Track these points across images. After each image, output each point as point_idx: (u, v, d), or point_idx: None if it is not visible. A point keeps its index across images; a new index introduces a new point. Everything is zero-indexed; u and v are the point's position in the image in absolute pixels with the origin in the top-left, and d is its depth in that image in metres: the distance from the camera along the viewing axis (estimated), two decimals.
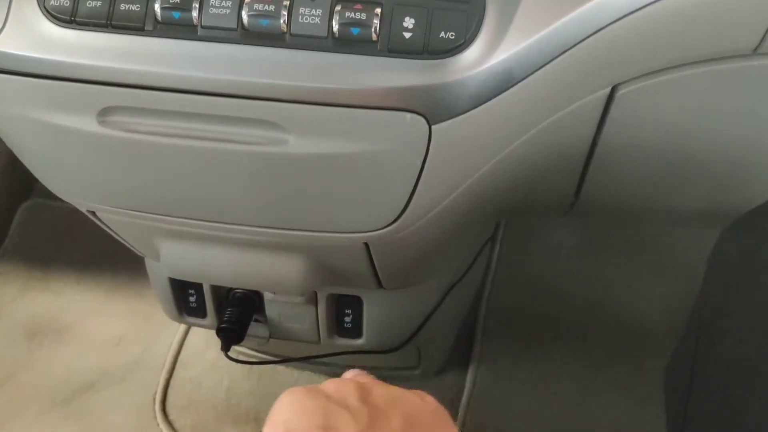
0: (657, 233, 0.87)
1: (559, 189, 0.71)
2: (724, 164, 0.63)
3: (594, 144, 0.63)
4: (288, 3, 0.47)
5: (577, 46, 0.50)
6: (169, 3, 0.48)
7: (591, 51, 0.51)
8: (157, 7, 0.48)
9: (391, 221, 0.57)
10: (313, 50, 0.48)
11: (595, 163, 0.65)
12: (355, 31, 0.47)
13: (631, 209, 0.76)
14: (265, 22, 0.47)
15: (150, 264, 0.83)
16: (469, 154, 0.53)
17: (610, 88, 0.58)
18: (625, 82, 0.57)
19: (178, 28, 0.49)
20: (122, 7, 0.49)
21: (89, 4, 0.50)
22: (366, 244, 0.61)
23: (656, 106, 0.60)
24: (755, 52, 0.55)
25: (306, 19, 0.47)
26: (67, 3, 0.50)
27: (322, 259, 0.65)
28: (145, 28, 0.49)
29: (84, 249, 1.34)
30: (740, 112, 0.60)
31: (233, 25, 0.48)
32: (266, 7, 0.47)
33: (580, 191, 0.71)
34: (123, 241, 0.74)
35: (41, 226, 1.39)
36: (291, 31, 0.47)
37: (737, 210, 0.67)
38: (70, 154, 0.56)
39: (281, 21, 0.47)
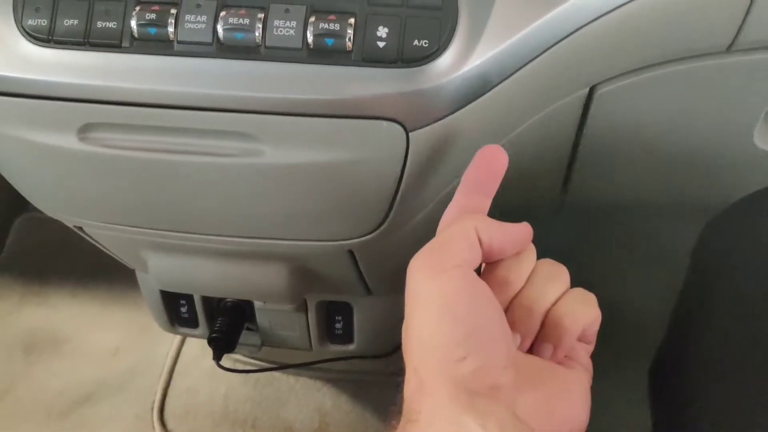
0: (648, 228, 0.88)
1: (545, 188, 0.71)
2: (705, 159, 0.64)
3: (576, 142, 0.63)
4: (262, 16, 0.48)
5: (552, 48, 0.50)
6: (145, 19, 0.48)
7: (566, 53, 0.51)
8: (133, 23, 0.49)
9: (374, 228, 0.57)
10: (288, 62, 0.48)
11: (579, 161, 0.66)
12: (329, 41, 0.47)
13: (618, 203, 0.77)
14: (240, 36, 0.48)
15: (141, 276, 0.84)
16: (448, 158, 0.54)
17: (588, 88, 0.58)
18: (603, 81, 0.58)
19: (155, 43, 0.49)
20: (99, 24, 0.50)
21: (66, 22, 0.50)
22: (351, 251, 0.61)
23: (635, 104, 0.60)
24: (729, 49, 0.55)
25: (280, 31, 0.48)
26: (44, 22, 0.50)
27: (308, 266, 0.66)
28: (122, 45, 0.49)
29: (79, 262, 1.34)
30: (717, 108, 0.60)
31: (209, 39, 0.48)
32: (241, 20, 0.48)
33: (567, 189, 0.71)
34: (112, 254, 0.74)
35: (37, 240, 1.40)
36: (266, 44, 0.48)
37: (721, 203, 0.68)
38: (52, 171, 0.57)
39: (256, 34, 0.48)
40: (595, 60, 0.55)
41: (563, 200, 0.73)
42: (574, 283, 0.43)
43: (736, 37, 0.54)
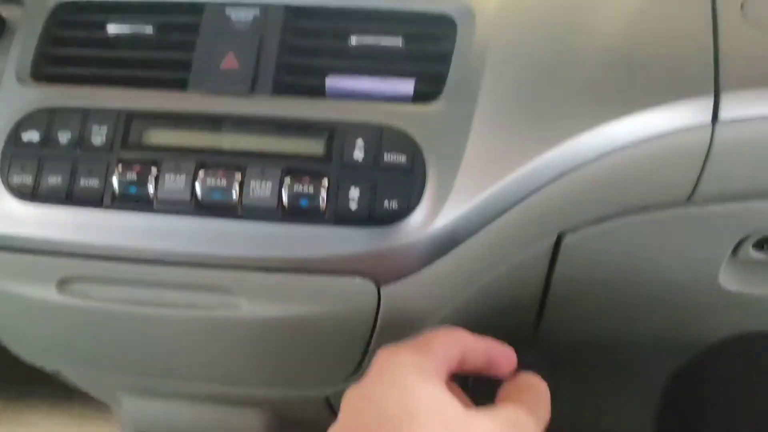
0: (624, 358, 0.88)
1: (517, 326, 0.72)
2: (673, 302, 0.65)
3: (546, 286, 0.65)
4: (240, 176, 0.50)
5: (518, 205, 0.52)
6: (127, 179, 0.51)
7: (531, 207, 0.53)
8: (114, 181, 0.51)
9: (348, 376, 0.58)
10: (263, 221, 0.50)
11: (549, 303, 0.67)
12: (303, 202, 0.49)
13: (591, 338, 0.78)
14: (217, 196, 0.50)
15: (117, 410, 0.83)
16: (419, 309, 0.55)
17: (555, 236, 0.60)
18: (569, 230, 0.60)
19: (135, 202, 0.51)
20: (82, 183, 0.51)
21: (50, 180, 0.52)
22: (327, 398, 0.61)
23: (602, 250, 0.62)
24: (689, 201, 0.58)
25: (257, 192, 0.50)
26: (29, 180, 0.52)
27: (286, 412, 0.65)
28: (104, 203, 0.51)
29: (56, 381, 1.32)
30: (681, 254, 0.62)
31: (187, 198, 0.50)
32: (219, 181, 0.50)
33: (540, 327, 0.72)
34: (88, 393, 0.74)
35: (13, 359, 1.38)
36: (243, 204, 0.50)
37: (693, 341, 0.69)
38: (31, 321, 0.57)
39: (233, 194, 0.50)
40: (560, 212, 0.57)
41: (537, 336, 0.74)
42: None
43: (693, 190, 0.56)
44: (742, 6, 0.53)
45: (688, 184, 0.56)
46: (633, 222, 0.60)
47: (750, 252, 0.63)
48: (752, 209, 0.59)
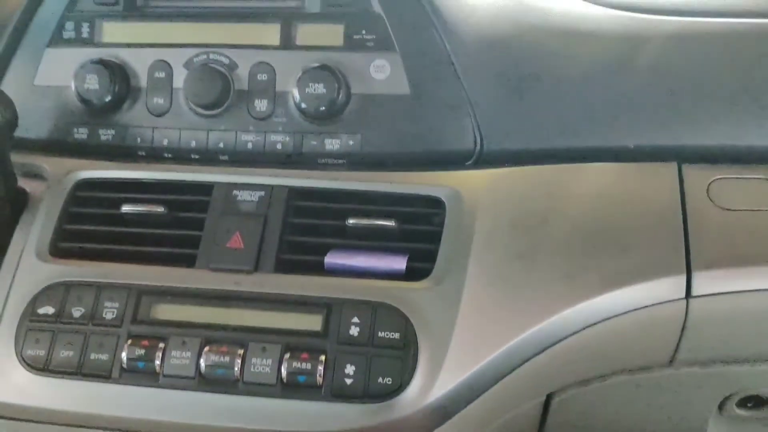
0: None
1: None
2: None
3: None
4: (242, 352, 0.53)
5: (507, 376, 0.55)
6: (135, 354, 0.54)
7: (520, 376, 0.56)
8: (123, 356, 0.54)
9: None
10: (263, 396, 0.52)
11: None
12: (301, 378, 0.52)
13: None
14: (220, 372, 0.53)
15: None
16: None
17: (545, 396, 0.63)
18: (557, 391, 0.63)
19: (142, 375, 0.54)
20: (92, 356, 0.54)
21: (63, 353, 0.55)
22: None
23: (590, 407, 0.64)
24: (671, 364, 0.60)
25: (257, 368, 0.52)
26: (42, 352, 0.55)
27: None
28: (112, 376, 0.54)
29: None
30: (668, 411, 0.65)
31: (191, 373, 0.53)
32: (222, 358, 0.53)
33: None
34: None
35: None
36: (243, 379, 0.52)
37: None
38: None
39: (235, 370, 0.52)
40: (548, 377, 0.59)
41: None
42: None
43: (674, 356, 0.59)
44: (708, 188, 0.58)
45: (668, 350, 0.59)
46: (618, 383, 0.62)
47: (735, 409, 0.65)
48: (733, 372, 0.62)
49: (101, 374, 0.54)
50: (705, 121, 0.59)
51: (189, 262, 0.57)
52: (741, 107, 0.60)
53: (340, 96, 0.60)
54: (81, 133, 0.65)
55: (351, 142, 0.61)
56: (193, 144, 0.63)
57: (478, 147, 0.60)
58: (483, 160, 0.60)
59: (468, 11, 0.62)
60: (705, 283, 0.55)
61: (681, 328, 0.57)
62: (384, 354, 0.53)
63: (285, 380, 0.52)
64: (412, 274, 0.56)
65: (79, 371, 0.54)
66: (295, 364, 0.52)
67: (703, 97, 0.60)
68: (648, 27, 0.63)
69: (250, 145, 0.62)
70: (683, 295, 0.55)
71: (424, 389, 0.52)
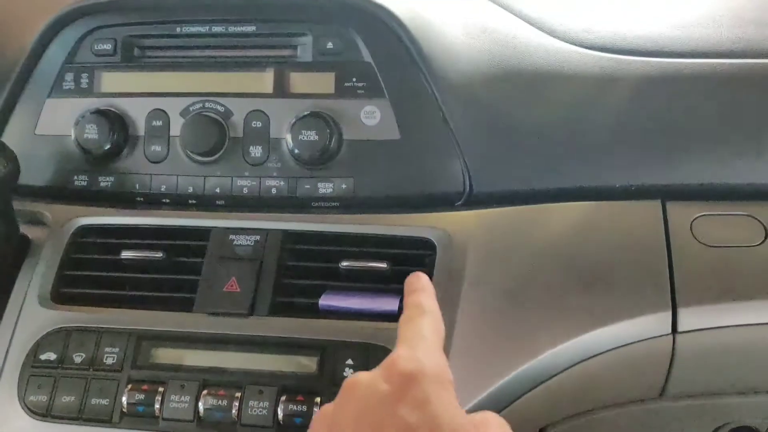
0: None
1: None
2: None
3: None
4: (239, 395, 0.54)
5: (499, 414, 0.56)
6: (135, 399, 0.55)
7: (513, 413, 0.57)
8: (124, 400, 0.55)
9: None
10: None
11: None
12: (297, 420, 0.53)
13: None
14: (218, 414, 0.54)
15: None
16: None
17: (538, 429, 0.64)
18: (551, 424, 0.64)
19: (142, 419, 0.55)
20: (93, 401, 0.56)
21: (64, 399, 0.56)
22: None
23: None
24: (662, 397, 0.62)
25: (254, 411, 0.54)
26: (44, 398, 0.56)
27: None
28: (113, 420, 0.55)
29: None
30: None
31: (190, 416, 0.54)
32: (220, 401, 0.54)
33: None
34: None
35: None
36: (241, 422, 0.54)
37: None
38: None
39: (233, 412, 0.54)
40: (541, 410, 0.61)
41: None
42: None
43: (663, 389, 0.60)
44: (692, 225, 0.59)
45: (657, 384, 0.60)
46: (611, 415, 0.64)
47: None
48: (723, 404, 0.63)
49: (102, 419, 0.55)
50: (687, 160, 0.61)
51: (187, 306, 0.59)
52: (723, 146, 0.61)
53: (333, 142, 0.62)
54: (81, 180, 0.67)
55: (344, 186, 0.63)
56: (191, 190, 0.65)
57: (467, 188, 0.62)
58: (472, 200, 0.62)
59: (453, 57, 0.64)
60: (690, 318, 0.56)
61: (669, 362, 0.58)
62: None
63: (282, 422, 0.53)
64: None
65: (81, 416, 0.56)
66: (291, 407, 0.53)
67: (685, 136, 0.62)
68: (630, 68, 0.64)
69: (245, 190, 0.64)
70: (669, 330, 0.56)
71: None
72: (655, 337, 0.56)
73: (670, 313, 0.56)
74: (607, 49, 0.67)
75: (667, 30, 0.69)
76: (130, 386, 0.56)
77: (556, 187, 0.62)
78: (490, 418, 0.42)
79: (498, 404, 0.56)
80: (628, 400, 0.63)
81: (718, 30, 0.68)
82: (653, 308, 0.56)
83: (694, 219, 0.60)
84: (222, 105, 0.65)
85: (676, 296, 0.56)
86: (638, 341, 0.56)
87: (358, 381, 0.41)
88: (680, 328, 0.56)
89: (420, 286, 0.50)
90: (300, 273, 0.60)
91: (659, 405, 0.63)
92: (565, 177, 0.62)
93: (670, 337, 0.57)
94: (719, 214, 0.60)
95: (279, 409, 0.53)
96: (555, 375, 0.56)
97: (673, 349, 0.57)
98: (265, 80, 0.65)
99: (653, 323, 0.56)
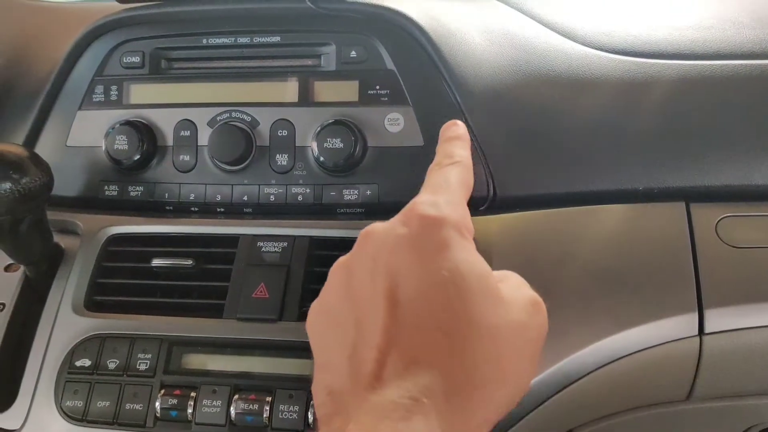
0: None
1: None
2: None
3: None
4: (270, 399, 0.55)
5: (526, 416, 0.57)
6: (168, 404, 0.56)
7: (541, 415, 0.57)
8: (157, 405, 0.56)
9: None
10: None
11: None
12: None
13: None
14: (250, 419, 0.55)
15: None
16: None
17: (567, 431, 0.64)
18: (578, 426, 0.64)
19: (175, 424, 0.56)
20: (127, 406, 0.57)
21: (99, 404, 0.57)
22: None
23: None
24: (688, 399, 0.62)
25: (285, 414, 0.55)
26: (80, 403, 0.58)
27: None
28: (146, 425, 0.56)
29: None
30: None
31: (222, 421, 0.55)
32: (251, 405, 0.55)
33: None
34: None
35: None
36: (272, 425, 0.55)
37: None
38: None
39: (264, 416, 0.55)
40: (568, 413, 0.61)
41: None
42: None
43: (691, 391, 0.60)
44: (716, 226, 0.59)
45: (684, 386, 0.60)
46: (638, 417, 0.64)
47: None
48: (751, 405, 0.63)
49: (136, 423, 0.57)
50: (711, 162, 0.61)
51: (217, 312, 0.60)
52: (747, 148, 0.61)
53: (357, 149, 0.63)
54: (112, 190, 0.68)
55: (368, 192, 0.64)
56: (219, 198, 0.66)
57: (491, 193, 0.63)
58: (496, 205, 0.63)
59: (475, 63, 0.65)
60: (717, 320, 0.56)
61: (696, 364, 0.58)
62: None
63: (311, 425, 0.54)
64: None
65: (115, 421, 0.57)
66: None
67: (709, 138, 0.62)
68: (651, 71, 0.65)
69: (272, 198, 0.65)
70: (696, 332, 0.56)
71: None
72: (681, 338, 0.57)
73: (696, 315, 0.56)
74: (629, 53, 0.67)
75: (688, 32, 0.69)
76: (162, 391, 0.57)
77: (578, 191, 0.62)
78: (510, 273, 0.42)
79: (525, 407, 0.56)
80: (655, 402, 0.63)
81: (738, 31, 0.68)
82: (680, 310, 0.56)
83: (719, 220, 0.60)
84: (248, 114, 0.66)
85: (702, 298, 0.56)
86: (665, 343, 0.57)
87: (374, 227, 0.40)
88: (707, 330, 0.56)
89: (455, 134, 0.47)
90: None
91: (686, 407, 0.63)
92: (587, 181, 0.62)
93: (697, 338, 0.57)
94: (744, 215, 0.60)
95: (309, 413, 0.54)
96: (581, 377, 0.57)
97: (700, 350, 0.57)
98: (290, 89, 0.66)
99: (680, 325, 0.56)
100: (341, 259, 0.41)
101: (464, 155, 0.45)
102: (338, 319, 0.39)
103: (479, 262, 0.38)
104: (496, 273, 0.40)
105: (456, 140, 0.46)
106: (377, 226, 0.40)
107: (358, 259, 0.39)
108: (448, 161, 0.44)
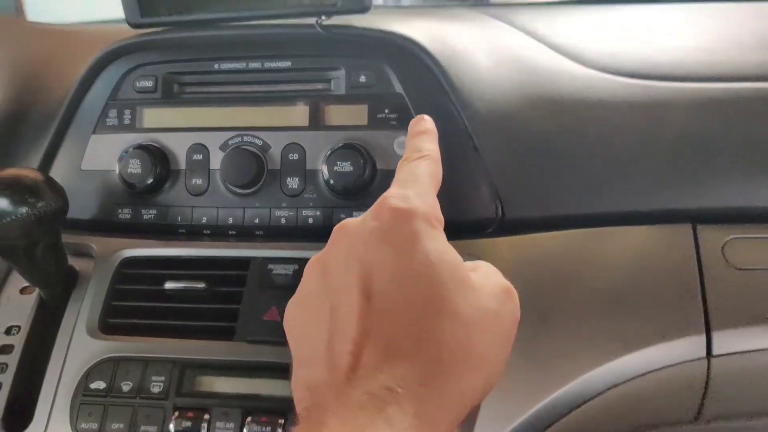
0: None
1: None
2: None
3: None
4: (282, 422, 0.56)
5: None
6: (181, 426, 0.57)
7: None
8: (171, 427, 0.57)
9: None
10: None
11: None
12: None
13: None
14: None
15: None
16: None
17: None
18: None
19: None
20: (141, 428, 0.58)
21: (114, 426, 0.58)
22: None
23: None
24: (696, 420, 0.62)
25: None
26: (95, 426, 0.58)
27: None
28: None
29: None
30: None
31: None
32: (263, 428, 0.56)
33: None
34: None
35: None
36: None
37: None
38: None
39: None
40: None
41: None
42: None
43: (699, 412, 0.61)
44: (723, 248, 0.60)
45: (692, 407, 0.60)
46: None
47: None
48: (759, 426, 0.63)
49: None
50: (718, 184, 0.62)
51: (228, 334, 0.61)
52: (753, 169, 0.62)
53: (366, 172, 0.64)
54: (125, 214, 0.69)
55: None
56: (230, 221, 0.67)
57: (499, 215, 0.63)
58: (503, 227, 0.63)
59: (482, 86, 0.66)
60: (725, 342, 0.57)
61: (704, 386, 0.59)
62: None
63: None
64: None
65: None
66: None
67: (713, 160, 0.62)
68: (656, 93, 0.65)
69: (283, 221, 0.66)
70: (704, 354, 0.57)
71: None
72: (689, 360, 0.57)
73: (704, 337, 0.57)
74: (634, 75, 0.68)
75: (693, 54, 0.70)
76: (176, 413, 0.58)
77: (585, 213, 0.63)
78: (482, 262, 0.43)
79: (534, 429, 0.57)
80: (663, 423, 0.63)
81: (742, 54, 0.69)
82: (687, 332, 0.57)
83: (726, 242, 0.60)
84: (260, 138, 0.67)
85: (710, 320, 0.57)
86: (673, 365, 0.57)
87: (347, 222, 0.41)
88: (715, 352, 0.57)
89: (423, 129, 0.49)
90: None
91: (695, 428, 0.63)
92: (594, 202, 0.63)
93: (705, 360, 0.57)
94: (751, 237, 0.61)
95: None
96: (589, 400, 0.57)
97: (708, 372, 0.58)
98: (301, 113, 0.67)
99: (687, 347, 0.57)
100: (315, 256, 0.43)
101: (432, 149, 0.47)
102: (314, 314, 0.40)
103: (449, 252, 0.39)
104: (467, 263, 0.41)
105: (424, 134, 0.48)
106: (350, 221, 0.41)
107: (332, 253, 0.41)
108: (417, 155, 0.46)
